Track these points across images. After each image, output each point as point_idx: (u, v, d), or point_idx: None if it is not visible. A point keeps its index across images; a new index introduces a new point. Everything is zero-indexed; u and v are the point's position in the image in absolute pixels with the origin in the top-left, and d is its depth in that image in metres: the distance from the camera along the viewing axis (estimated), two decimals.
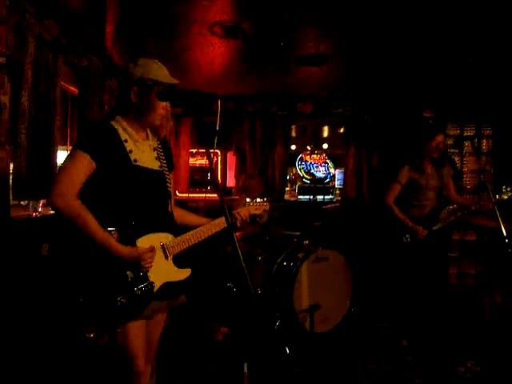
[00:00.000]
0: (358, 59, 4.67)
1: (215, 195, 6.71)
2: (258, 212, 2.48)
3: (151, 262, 1.93)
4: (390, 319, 4.48)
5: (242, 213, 2.36)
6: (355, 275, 4.27)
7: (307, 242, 4.62)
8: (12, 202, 3.24)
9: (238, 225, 2.31)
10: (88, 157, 1.85)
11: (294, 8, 3.38)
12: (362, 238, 5.74)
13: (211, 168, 1.77)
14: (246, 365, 2.24)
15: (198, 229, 2.13)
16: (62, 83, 3.81)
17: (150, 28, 3.81)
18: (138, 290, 1.89)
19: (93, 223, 1.82)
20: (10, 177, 3.02)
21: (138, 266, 1.89)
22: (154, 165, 2.06)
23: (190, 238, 2.09)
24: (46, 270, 3.34)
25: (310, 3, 3.32)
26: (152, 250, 1.93)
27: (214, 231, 2.17)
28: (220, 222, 2.17)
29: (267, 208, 2.52)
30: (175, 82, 2.03)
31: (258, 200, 2.50)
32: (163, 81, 2.00)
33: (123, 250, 1.85)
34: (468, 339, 3.92)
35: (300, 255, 4.20)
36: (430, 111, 6.30)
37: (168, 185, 2.10)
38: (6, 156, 2.89)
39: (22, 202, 3.61)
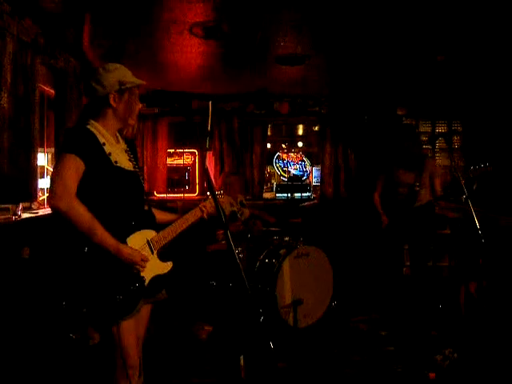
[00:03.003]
0: (334, 59, 4.77)
1: (194, 195, 6.73)
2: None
3: (145, 266, 2.04)
4: (369, 312, 4.61)
5: (208, 206, 2.45)
6: (335, 270, 4.37)
7: (288, 238, 4.69)
8: None
9: (205, 217, 2.40)
10: (78, 159, 1.91)
11: (272, 9, 3.44)
12: (340, 233, 5.86)
13: (204, 168, 1.86)
14: (242, 358, 2.28)
15: (173, 224, 2.25)
16: (39, 85, 3.77)
17: (128, 28, 3.80)
18: (133, 286, 1.99)
19: (97, 224, 1.89)
20: None
21: (133, 263, 1.98)
22: (130, 166, 2.15)
23: (169, 232, 2.22)
24: (28, 273, 3.32)
25: (287, 5, 3.38)
26: (143, 249, 2.06)
27: (186, 225, 2.31)
28: (189, 217, 2.34)
29: (225, 200, 2.62)
30: (144, 82, 2.17)
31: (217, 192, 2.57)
32: (137, 82, 2.14)
33: (126, 250, 1.96)
34: (445, 328, 4.07)
35: (281, 251, 4.26)
36: (404, 109, 6.47)
37: (143, 184, 2.23)
38: None
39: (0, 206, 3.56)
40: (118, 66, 2.13)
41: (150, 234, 2.14)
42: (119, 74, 2.09)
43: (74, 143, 1.95)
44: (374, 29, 3.85)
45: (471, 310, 4.09)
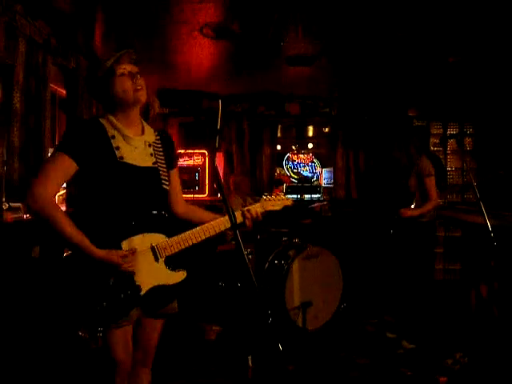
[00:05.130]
0: (345, 60, 4.75)
1: (204, 195, 6.74)
2: (276, 208, 2.28)
3: (132, 266, 1.82)
4: (379, 315, 4.57)
5: (254, 210, 2.16)
6: (345, 272, 4.34)
7: (297, 239, 4.67)
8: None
9: (247, 224, 2.11)
10: (68, 158, 1.78)
11: (283, 9, 3.43)
12: (351, 235, 5.83)
13: (214, 167, 1.70)
14: (250, 358, 2.25)
15: (196, 228, 1.99)
16: (51, 85, 3.79)
17: (139, 29, 3.83)
18: (123, 293, 1.80)
19: (67, 225, 1.75)
20: (3, 179, 3.00)
21: (120, 269, 1.79)
22: (147, 161, 1.95)
23: (188, 239, 1.96)
24: (38, 272, 3.34)
25: (298, 5, 3.37)
26: (133, 252, 1.82)
27: (215, 231, 2.02)
28: (221, 223, 2.04)
29: (289, 203, 2.33)
30: (125, 51, 1.95)
31: (277, 195, 2.30)
32: (116, 55, 1.91)
33: (99, 253, 1.76)
34: (456, 332, 4.03)
35: (291, 253, 4.25)
36: (415, 110, 6.43)
37: (163, 182, 1.98)
38: None
39: (12, 205, 3.59)
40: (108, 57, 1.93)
41: (157, 238, 1.91)
42: (107, 62, 1.90)
43: (67, 141, 1.82)
44: (385, 29, 3.83)
45: (482, 314, 4.05)
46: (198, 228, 1.99)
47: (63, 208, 4.60)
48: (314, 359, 3.63)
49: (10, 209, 3.60)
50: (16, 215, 3.57)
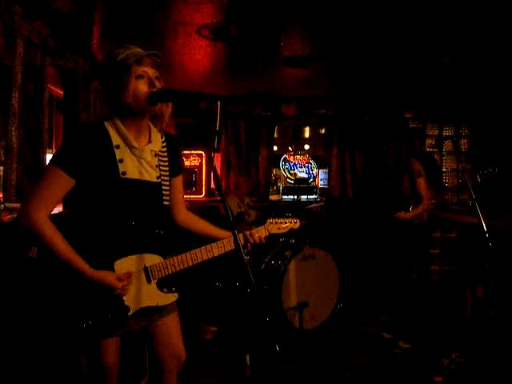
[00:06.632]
0: (341, 61, 4.77)
1: (200, 196, 6.75)
2: (281, 232, 2.19)
3: (126, 290, 1.75)
4: (376, 315, 4.60)
5: (257, 235, 2.08)
6: (341, 272, 4.36)
7: (293, 240, 4.69)
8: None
9: (249, 248, 2.06)
10: (63, 173, 1.66)
11: (280, 11, 3.45)
12: (347, 235, 5.85)
13: (213, 169, 1.54)
14: (247, 356, 2.25)
15: (194, 250, 1.91)
16: (49, 85, 3.80)
17: (137, 30, 3.83)
18: (110, 313, 1.72)
19: (59, 244, 1.65)
20: (0, 179, 3.01)
21: (113, 291, 1.72)
22: (152, 175, 1.82)
23: (184, 261, 1.88)
24: (35, 272, 3.33)
25: (295, 6, 3.39)
26: (128, 276, 1.75)
27: (213, 255, 1.95)
28: (221, 246, 1.96)
29: (296, 227, 2.22)
30: (142, 52, 1.83)
31: (285, 218, 2.21)
32: (132, 54, 1.78)
33: (93, 273, 1.68)
34: (452, 332, 4.05)
35: (287, 253, 4.26)
36: (411, 112, 6.47)
37: (165, 198, 1.87)
38: None
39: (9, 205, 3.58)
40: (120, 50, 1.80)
41: (152, 259, 1.82)
42: (128, 60, 1.73)
43: (65, 153, 1.68)
44: (381, 31, 3.85)
45: (478, 314, 4.07)
46: (196, 250, 1.91)
47: (60, 208, 4.59)
48: (311, 359, 3.65)
49: (6, 209, 3.60)
50: (12, 215, 3.56)
